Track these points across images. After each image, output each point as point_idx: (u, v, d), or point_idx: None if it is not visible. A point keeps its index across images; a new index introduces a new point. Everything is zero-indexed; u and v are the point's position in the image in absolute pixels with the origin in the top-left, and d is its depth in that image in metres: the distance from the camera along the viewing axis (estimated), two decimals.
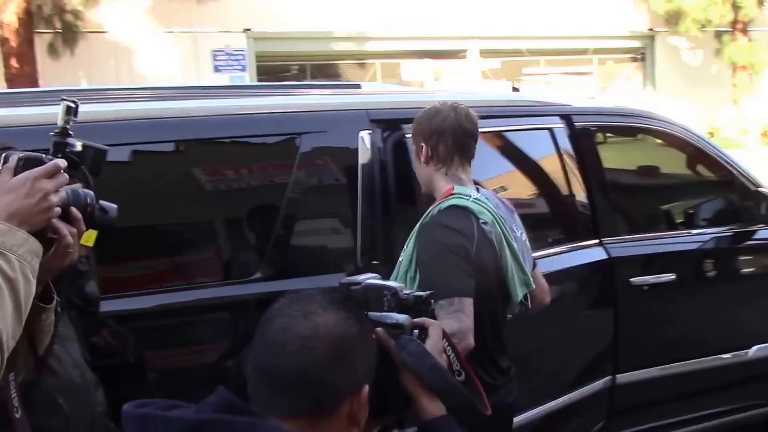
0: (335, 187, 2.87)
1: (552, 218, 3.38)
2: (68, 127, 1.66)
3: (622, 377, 3.45)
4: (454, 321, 2.11)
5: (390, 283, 1.36)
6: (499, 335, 2.36)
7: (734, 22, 17.74)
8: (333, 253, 2.84)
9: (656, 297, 3.51)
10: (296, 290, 1.16)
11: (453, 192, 2.29)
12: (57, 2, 12.47)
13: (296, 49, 17.11)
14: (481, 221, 2.23)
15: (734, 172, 3.83)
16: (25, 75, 12.12)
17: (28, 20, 11.96)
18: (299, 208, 2.73)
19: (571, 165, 3.37)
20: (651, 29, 18.75)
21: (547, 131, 3.27)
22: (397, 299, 1.33)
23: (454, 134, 2.29)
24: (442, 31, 17.25)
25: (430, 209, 2.30)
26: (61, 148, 1.66)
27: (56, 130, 1.66)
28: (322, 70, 18.24)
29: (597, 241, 3.34)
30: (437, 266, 2.19)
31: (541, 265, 2.66)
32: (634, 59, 19.73)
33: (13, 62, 11.96)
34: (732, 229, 3.81)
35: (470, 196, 2.27)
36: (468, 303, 2.16)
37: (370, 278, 1.38)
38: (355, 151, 2.78)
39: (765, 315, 3.83)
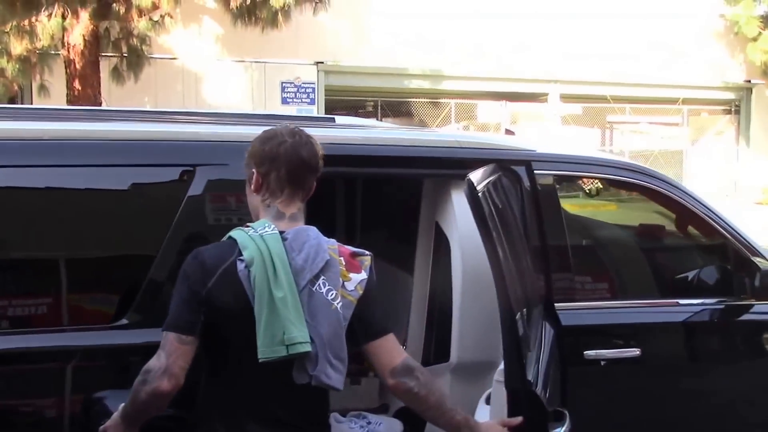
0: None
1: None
2: None
3: None
4: (155, 357, 2.02)
5: None
6: (253, 399, 2.07)
7: None
8: None
9: (615, 375, 3.17)
10: None
11: (250, 223, 2.14)
12: (125, 26, 12.88)
13: (367, 84, 17.18)
14: (239, 257, 2.05)
15: (730, 237, 3.45)
16: (87, 97, 12.49)
17: (95, 43, 12.36)
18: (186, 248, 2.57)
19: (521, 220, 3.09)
20: (748, 81, 17.92)
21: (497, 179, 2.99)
22: None
23: (288, 163, 2.10)
24: (521, 73, 17.00)
25: None
26: None
27: None
28: (394, 107, 18.23)
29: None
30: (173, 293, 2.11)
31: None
32: (727, 111, 18.87)
33: (77, 84, 12.35)
34: (723, 301, 3.42)
35: (255, 230, 2.09)
36: (172, 339, 2.02)
37: None
38: None
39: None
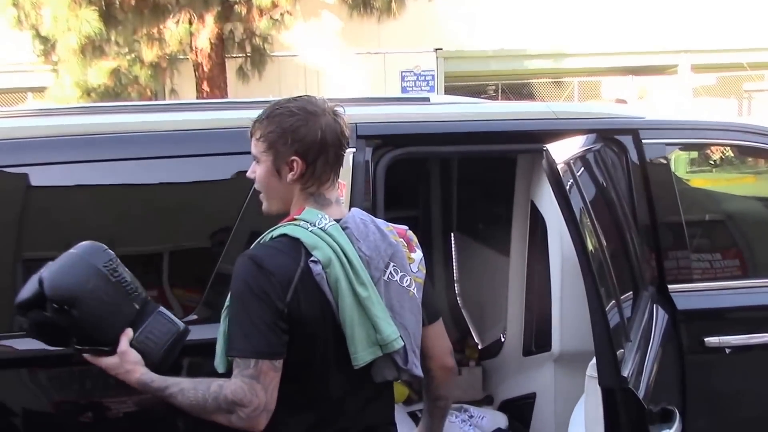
0: None
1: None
2: None
3: None
4: (248, 390, 1.71)
5: None
6: (332, 404, 1.82)
7: None
8: None
9: (743, 363, 2.76)
10: None
11: (297, 216, 1.83)
12: (248, 27, 13.10)
13: (487, 68, 16.77)
14: (311, 259, 1.77)
15: None
16: (215, 98, 12.80)
17: (220, 45, 12.63)
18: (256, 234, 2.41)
19: (627, 195, 2.74)
20: None
21: (591, 152, 2.65)
22: None
23: (337, 146, 1.82)
24: (647, 45, 16.04)
25: (265, 233, 1.86)
26: None
27: None
28: (516, 89, 17.71)
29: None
30: (237, 311, 1.76)
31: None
32: None
33: (205, 86, 12.67)
34: None
35: (313, 224, 1.80)
36: (266, 369, 1.72)
37: None
38: None
39: None
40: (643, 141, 2.78)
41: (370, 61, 15.90)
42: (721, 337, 2.73)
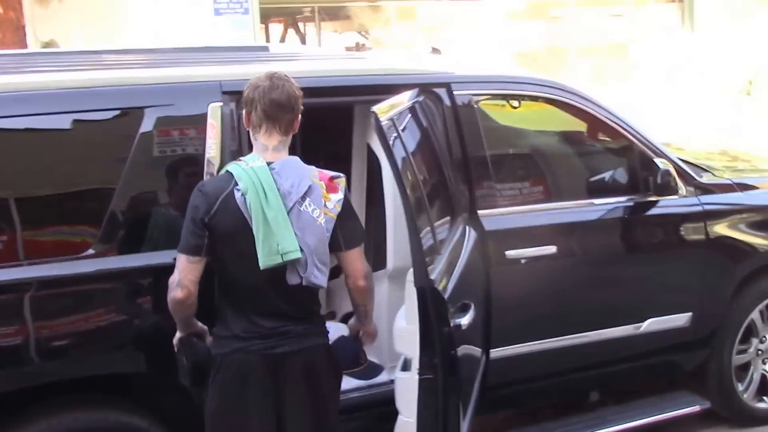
0: (183, 160, 3.07)
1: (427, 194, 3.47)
2: None
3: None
4: (173, 274, 2.70)
5: None
6: (258, 297, 2.71)
7: None
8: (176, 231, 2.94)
9: (535, 271, 3.67)
10: None
11: (242, 158, 2.75)
12: None
13: None
14: (236, 187, 2.64)
15: (636, 141, 3.94)
16: (9, 21, 12.32)
17: None
18: (138, 183, 2.96)
19: (444, 137, 3.51)
20: None
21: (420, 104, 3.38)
22: None
23: (262, 103, 2.68)
24: None
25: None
26: None
27: None
28: (333, 12, 18.19)
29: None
30: (184, 221, 2.72)
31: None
32: None
33: None
34: (631, 199, 3.94)
35: (246, 163, 2.68)
36: (182, 259, 2.69)
37: None
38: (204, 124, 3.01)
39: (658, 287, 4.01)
40: (455, 92, 3.57)
41: None
42: (518, 251, 3.62)
